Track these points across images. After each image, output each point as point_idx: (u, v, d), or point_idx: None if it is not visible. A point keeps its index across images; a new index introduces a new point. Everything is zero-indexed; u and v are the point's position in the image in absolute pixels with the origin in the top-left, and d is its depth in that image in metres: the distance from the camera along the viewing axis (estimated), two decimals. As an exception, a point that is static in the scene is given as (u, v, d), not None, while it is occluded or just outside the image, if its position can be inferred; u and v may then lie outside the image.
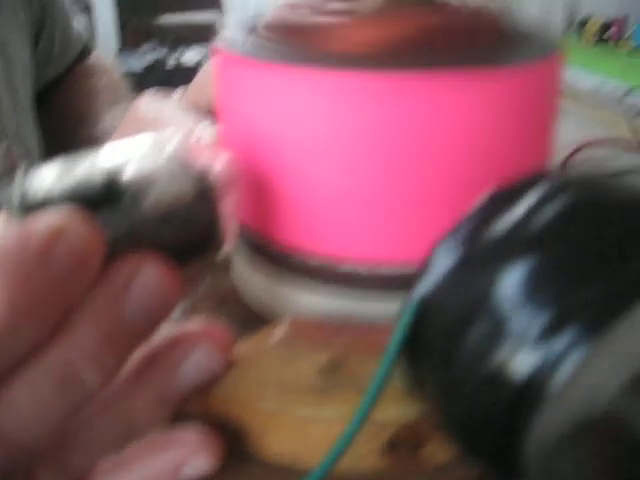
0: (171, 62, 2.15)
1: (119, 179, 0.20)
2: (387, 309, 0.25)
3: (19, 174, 0.20)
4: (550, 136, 0.27)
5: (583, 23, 1.04)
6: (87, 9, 2.38)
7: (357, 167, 0.24)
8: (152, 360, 0.22)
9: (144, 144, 0.22)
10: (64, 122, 0.70)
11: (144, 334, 0.20)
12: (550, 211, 0.15)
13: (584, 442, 0.15)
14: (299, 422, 0.23)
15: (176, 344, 0.22)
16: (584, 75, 0.92)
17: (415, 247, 0.24)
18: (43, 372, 0.18)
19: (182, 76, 2.17)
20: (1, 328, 0.17)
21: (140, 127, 0.43)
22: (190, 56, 2.24)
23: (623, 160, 0.61)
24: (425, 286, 0.16)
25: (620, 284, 0.14)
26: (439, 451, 0.24)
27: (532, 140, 0.26)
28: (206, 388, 0.24)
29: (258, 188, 0.26)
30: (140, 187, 0.20)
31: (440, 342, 0.16)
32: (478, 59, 0.24)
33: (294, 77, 0.24)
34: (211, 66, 0.43)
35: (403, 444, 0.24)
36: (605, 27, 1.01)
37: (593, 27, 1.01)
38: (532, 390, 0.14)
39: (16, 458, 0.19)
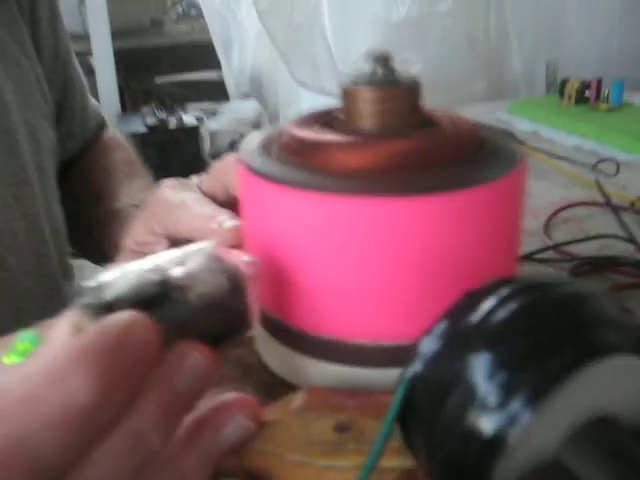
0: (173, 122, 2.23)
1: (169, 280, 0.26)
2: (384, 375, 0.30)
3: (90, 280, 0.25)
4: (517, 234, 0.33)
5: (563, 84, 1.10)
6: (91, 72, 2.47)
7: (355, 267, 0.29)
8: (198, 427, 0.27)
9: (184, 250, 0.27)
10: (82, 198, 0.75)
11: (193, 404, 0.25)
12: (505, 312, 0.21)
13: (536, 482, 0.20)
14: (320, 471, 0.29)
15: (217, 413, 0.28)
16: (564, 135, 0.98)
17: (402, 328, 0.30)
18: (119, 439, 0.23)
19: (184, 135, 2.26)
20: (91, 407, 0.23)
21: (165, 211, 0.48)
22: (190, 115, 2.32)
23: (597, 221, 0.67)
24: (414, 368, 0.22)
25: (554, 367, 0.19)
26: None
27: (501, 241, 0.31)
28: (241, 447, 0.29)
29: (277, 279, 0.31)
30: (186, 284, 0.26)
31: (426, 410, 0.22)
32: (453, 181, 0.29)
33: (296, 197, 0.30)
34: (226, 158, 0.47)
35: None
36: (584, 87, 1.07)
37: (572, 87, 1.08)
38: (494, 444, 0.20)
39: None
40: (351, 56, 1.48)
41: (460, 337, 0.21)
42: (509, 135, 0.35)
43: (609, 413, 0.21)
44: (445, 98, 1.33)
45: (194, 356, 0.25)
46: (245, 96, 2.33)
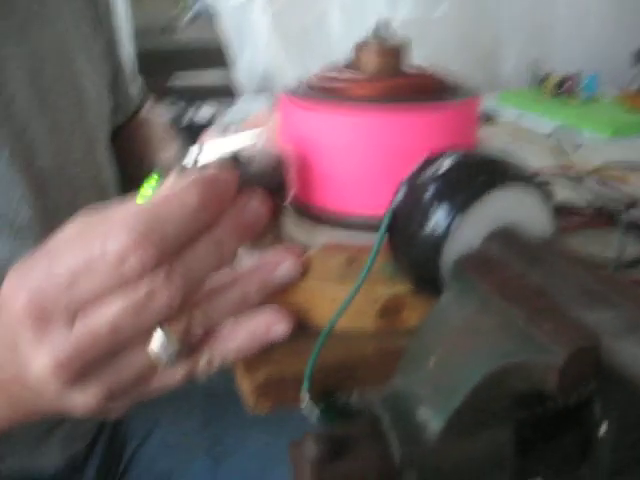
0: (185, 120, 2.36)
1: (240, 154, 0.39)
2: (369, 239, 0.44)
3: (192, 153, 0.39)
4: (473, 144, 0.46)
5: (544, 79, 1.24)
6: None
7: (359, 162, 0.43)
8: (263, 261, 0.40)
9: (249, 137, 0.41)
10: (128, 163, 0.88)
11: (254, 231, 0.38)
12: (445, 166, 0.34)
13: (467, 263, 0.33)
14: (332, 297, 0.41)
15: (277, 254, 0.41)
16: (541, 121, 1.12)
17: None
18: (209, 239, 0.36)
19: (195, 133, 2.39)
20: (196, 208, 0.35)
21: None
22: (203, 113, 2.45)
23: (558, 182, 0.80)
24: (394, 202, 0.35)
25: (475, 189, 0.33)
26: (412, 317, 0.42)
27: (461, 143, 0.45)
28: (285, 286, 0.42)
29: (302, 172, 0.45)
30: (250, 158, 0.39)
31: (401, 228, 0.35)
32: (429, 101, 0.43)
33: (322, 112, 0.44)
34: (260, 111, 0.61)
35: (389, 311, 0.42)
36: (562, 82, 1.21)
37: (552, 82, 1.22)
38: (440, 237, 0.33)
39: (193, 291, 0.37)
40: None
41: (419, 182, 0.35)
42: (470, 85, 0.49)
43: (513, 225, 0.34)
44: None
45: (256, 198, 0.38)
46: (255, 93, 2.47)
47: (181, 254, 0.36)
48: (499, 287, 0.30)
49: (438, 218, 0.33)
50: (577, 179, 0.78)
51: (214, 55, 2.86)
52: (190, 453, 0.80)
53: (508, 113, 1.17)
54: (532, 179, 0.34)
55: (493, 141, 1.02)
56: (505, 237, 0.33)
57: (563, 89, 1.19)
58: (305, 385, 0.39)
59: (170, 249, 0.35)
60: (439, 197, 0.33)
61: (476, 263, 0.33)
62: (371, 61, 0.46)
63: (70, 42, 0.72)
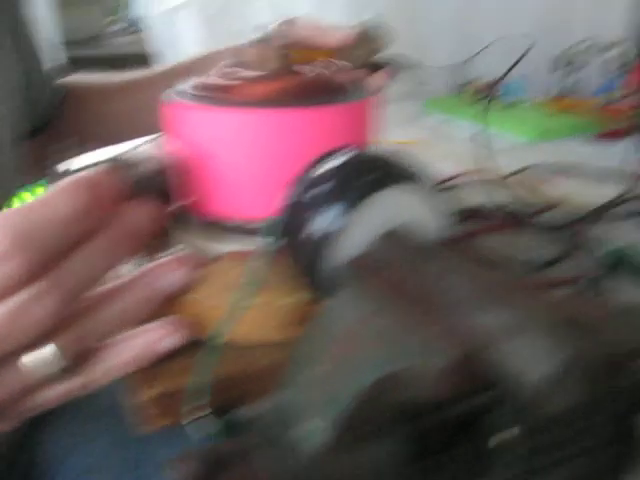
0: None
1: (121, 160, 0.37)
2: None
3: (67, 160, 0.36)
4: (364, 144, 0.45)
5: (468, 84, 1.25)
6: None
7: (251, 168, 0.41)
8: (147, 272, 0.38)
9: (131, 146, 0.39)
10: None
11: (139, 241, 0.36)
12: (335, 162, 0.32)
13: (353, 266, 0.32)
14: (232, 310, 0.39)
15: (163, 264, 0.38)
16: (466, 126, 1.12)
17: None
18: (90, 249, 0.34)
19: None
20: (73, 216, 0.33)
21: None
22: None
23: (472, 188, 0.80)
24: (281, 206, 0.33)
25: (361, 187, 0.31)
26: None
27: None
28: (175, 296, 0.39)
29: (196, 180, 0.42)
30: (131, 164, 0.37)
31: (289, 233, 0.33)
32: (322, 102, 0.42)
33: (212, 114, 0.41)
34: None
35: (293, 321, 0.40)
36: (485, 87, 1.22)
37: (476, 87, 1.22)
38: (327, 241, 0.31)
39: (69, 304, 0.34)
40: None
41: (307, 183, 0.33)
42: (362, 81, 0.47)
43: (406, 226, 0.32)
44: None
45: (142, 205, 0.36)
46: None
47: (58, 265, 0.33)
48: (383, 291, 0.28)
49: (325, 219, 0.31)
50: (492, 183, 0.78)
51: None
52: (108, 476, 0.76)
53: (433, 119, 1.17)
54: (421, 179, 0.33)
55: (412, 147, 1.01)
56: (396, 238, 0.32)
57: (484, 94, 1.20)
58: (185, 405, 0.37)
59: (44, 258, 0.33)
60: (326, 197, 0.31)
61: (362, 266, 0.31)
62: (261, 61, 0.44)
63: None
